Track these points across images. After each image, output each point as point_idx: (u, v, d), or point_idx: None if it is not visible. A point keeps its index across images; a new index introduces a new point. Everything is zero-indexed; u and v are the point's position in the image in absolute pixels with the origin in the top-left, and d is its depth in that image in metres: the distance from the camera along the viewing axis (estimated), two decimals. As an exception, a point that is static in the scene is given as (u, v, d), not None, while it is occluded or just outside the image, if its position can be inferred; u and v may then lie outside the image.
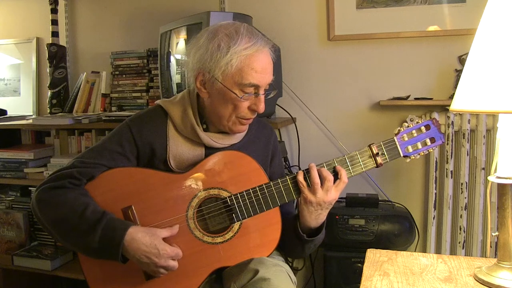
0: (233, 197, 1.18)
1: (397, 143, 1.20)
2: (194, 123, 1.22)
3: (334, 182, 1.17)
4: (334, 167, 1.19)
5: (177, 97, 1.29)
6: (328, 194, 1.16)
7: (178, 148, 1.23)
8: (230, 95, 1.15)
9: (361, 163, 1.20)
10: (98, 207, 1.14)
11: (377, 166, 1.20)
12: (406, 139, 1.20)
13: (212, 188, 1.20)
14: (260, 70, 1.14)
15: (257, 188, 1.19)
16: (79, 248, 1.15)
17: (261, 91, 1.17)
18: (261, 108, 1.18)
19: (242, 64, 1.12)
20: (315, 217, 1.19)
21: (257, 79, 1.14)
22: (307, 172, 1.18)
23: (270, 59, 1.18)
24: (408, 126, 1.21)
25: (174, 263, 1.12)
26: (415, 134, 1.20)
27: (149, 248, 1.08)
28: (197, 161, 1.22)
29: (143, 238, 1.09)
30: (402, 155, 1.20)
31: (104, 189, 1.18)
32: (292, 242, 1.24)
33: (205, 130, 1.25)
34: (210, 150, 1.24)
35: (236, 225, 1.19)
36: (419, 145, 1.20)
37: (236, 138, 1.28)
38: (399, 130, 1.21)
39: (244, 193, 1.18)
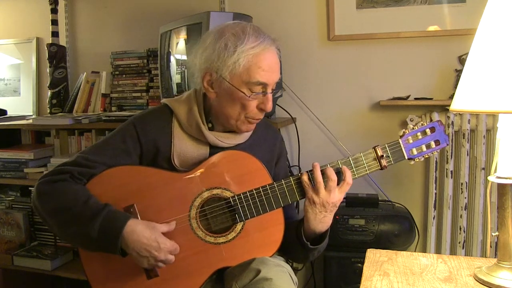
0: (236, 197, 1.18)
1: (402, 145, 1.18)
2: (199, 122, 1.22)
3: (338, 183, 1.16)
4: (339, 169, 1.17)
5: (183, 96, 1.29)
6: (331, 195, 1.14)
7: (183, 146, 1.23)
8: (238, 95, 1.15)
9: (365, 165, 1.19)
10: (100, 201, 1.14)
11: (381, 169, 1.18)
12: (411, 141, 1.19)
13: (215, 188, 1.19)
14: (268, 68, 1.15)
15: (261, 189, 1.18)
16: (77, 238, 1.13)
17: (269, 90, 1.18)
18: (269, 107, 1.18)
19: (249, 63, 1.13)
20: (320, 220, 1.17)
21: (265, 78, 1.15)
22: (311, 173, 1.17)
23: (277, 58, 1.19)
24: (413, 128, 1.19)
25: (172, 257, 1.12)
26: (420, 137, 1.19)
27: (149, 241, 1.08)
28: (201, 160, 1.22)
29: (144, 231, 1.09)
30: (406, 157, 1.19)
31: (106, 188, 1.18)
32: (295, 249, 1.23)
33: (211, 129, 1.25)
34: (214, 150, 1.23)
35: (238, 226, 1.19)
36: (424, 148, 1.19)
37: (242, 138, 1.27)
38: (404, 132, 1.19)
39: (248, 193, 1.18)
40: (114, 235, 1.08)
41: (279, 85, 1.24)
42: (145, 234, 1.09)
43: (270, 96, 1.18)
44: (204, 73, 1.19)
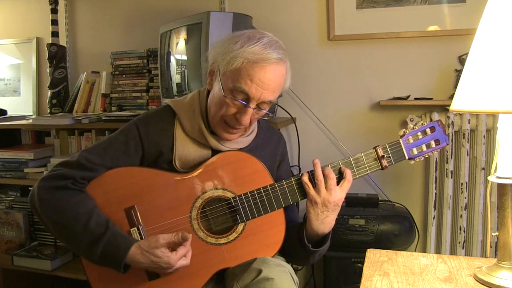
0: (237, 198, 1.18)
1: (402, 145, 1.18)
2: (202, 125, 1.21)
3: (339, 182, 1.16)
4: (339, 168, 1.18)
5: (187, 97, 1.28)
6: (332, 194, 1.14)
7: (185, 149, 1.22)
8: (220, 91, 1.15)
9: (366, 165, 1.19)
10: (102, 217, 1.13)
11: (382, 169, 1.19)
12: (411, 141, 1.19)
13: (216, 188, 1.19)
14: (257, 81, 1.10)
15: (262, 189, 1.18)
16: (78, 253, 1.18)
17: (252, 104, 1.13)
18: (243, 120, 1.14)
19: (242, 66, 1.10)
20: (322, 220, 1.16)
21: (248, 88, 1.11)
22: (312, 173, 1.17)
23: (277, 79, 1.14)
24: (413, 128, 1.19)
25: (183, 263, 1.11)
26: (420, 136, 1.19)
27: (152, 264, 1.09)
28: (202, 163, 1.21)
29: (146, 259, 1.09)
30: (407, 157, 1.19)
31: (107, 189, 1.18)
32: (296, 251, 1.23)
33: (213, 133, 1.23)
34: (217, 153, 1.22)
35: (240, 226, 1.19)
36: (424, 148, 1.19)
37: (244, 143, 1.26)
38: (404, 132, 1.19)
39: (249, 194, 1.18)
40: (116, 262, 1.10)
41: (272, 108, 1.21)
42: (146, 262, 1.09)
43: (249, 110, 1.13)
44: (211, 63, 1.19)
